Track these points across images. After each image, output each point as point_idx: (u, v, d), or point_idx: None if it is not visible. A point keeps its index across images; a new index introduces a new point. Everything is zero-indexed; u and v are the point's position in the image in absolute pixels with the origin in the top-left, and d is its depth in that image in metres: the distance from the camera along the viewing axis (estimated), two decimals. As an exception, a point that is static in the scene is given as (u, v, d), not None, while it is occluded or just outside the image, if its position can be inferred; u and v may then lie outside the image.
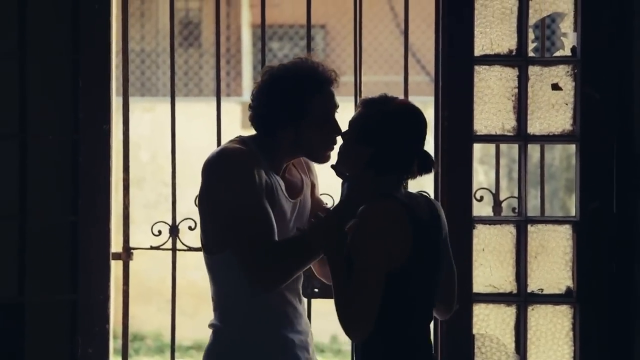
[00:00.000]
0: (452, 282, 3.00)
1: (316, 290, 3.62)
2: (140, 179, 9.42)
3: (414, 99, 3.06)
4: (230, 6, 11.42)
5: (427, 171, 2.87)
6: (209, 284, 3.04)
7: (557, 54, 3.75)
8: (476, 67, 3.65)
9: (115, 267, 3.82)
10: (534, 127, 3.67)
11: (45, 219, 3.68)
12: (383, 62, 11.06)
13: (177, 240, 3.81)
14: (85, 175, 3.68)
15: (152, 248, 3.84)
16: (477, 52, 3.66)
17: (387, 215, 2.75)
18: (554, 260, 3.66)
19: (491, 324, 3.68)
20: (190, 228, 3.73)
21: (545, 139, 3.70)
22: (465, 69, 3.64)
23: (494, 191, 3.84)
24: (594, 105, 3.63)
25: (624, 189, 3.62)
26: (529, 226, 3.67)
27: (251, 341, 2.98)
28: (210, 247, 3.00)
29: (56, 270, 3.68)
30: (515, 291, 3.68)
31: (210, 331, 3.05)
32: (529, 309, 3.66)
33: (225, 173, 2.92)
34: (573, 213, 4.17)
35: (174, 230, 3.81)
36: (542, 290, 3.67)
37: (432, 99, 3.75)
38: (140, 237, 4.29)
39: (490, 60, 3.67)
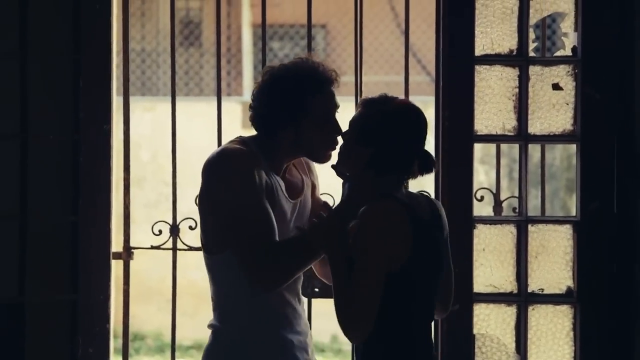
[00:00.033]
0: (450, 282, 3.00)
1: (316, 290, 3.62)
2: (141, 178, 9.42)
3: (414, 99, 3.05)
4: (231, 6, 11.42)
5: (428, 171, 2.87)
6: (209, 284, 3.04)
7: (558, 53, 3.75)
8: (477, 67, 3.65)
9: (116, 266, 3.81)
10: (535, 127, 3.67)
11: (45, 218, 3.68)
12: (384, 62, 11.05)
13: (178, 239, 3.81)
14: (85, 175, 3.68)
15: (152, 248, 3.84)
16: (478, 51, 3.66)
17: (388, 215, 2.74)
18: (554, 260, 3.66)
19: (492, 324, 3.67)
20: (190, 228, 3.73)
21: (546, 139, 3.70)
22: (465, 69, 3.64)
23: (494, 191, 3.84)
24: (594, 105, 3.63)
25: (625, 189, 3.62)
26: (529, 226, 3.67)
27: (250, 341, 2.98)
28: (210, 247, 3.00)
29: (56, 270, 3.68)
30: (515, 291, 3.68)
31: (209, 331, 3.05)
32: (530, 308, 3.66)
33: (225, 173, 2.92)
34: (574, 213, 4.17)
35: (174, 230, 3.81)
36: (542, 290, 3.67)
37: (432, 98, 3.74)
38: (140, 236, 4.29)
39: (490, 60, 3.66)
